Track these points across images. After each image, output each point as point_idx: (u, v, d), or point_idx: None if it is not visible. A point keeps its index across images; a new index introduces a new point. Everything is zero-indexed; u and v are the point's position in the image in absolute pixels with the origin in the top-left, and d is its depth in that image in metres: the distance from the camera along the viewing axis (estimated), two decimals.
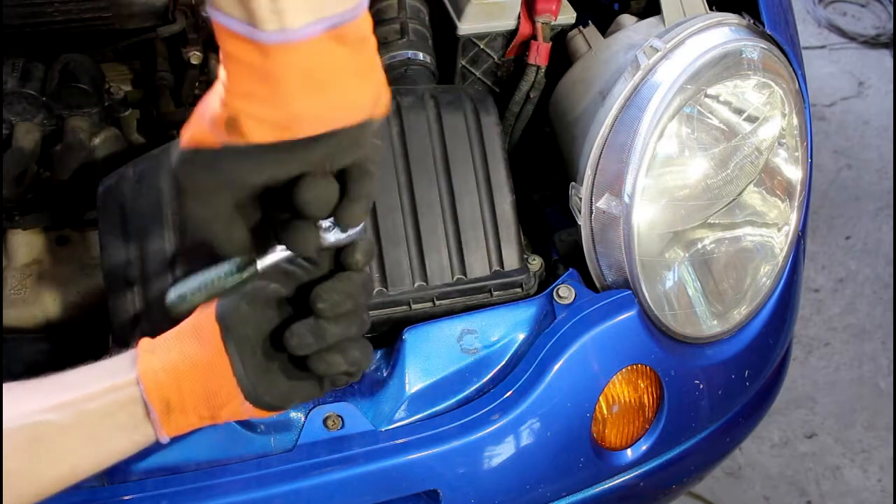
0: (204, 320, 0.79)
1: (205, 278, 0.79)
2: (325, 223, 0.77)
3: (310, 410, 1.04)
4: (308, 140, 0.65)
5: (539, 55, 1.31)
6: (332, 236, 0.78)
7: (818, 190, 2.85)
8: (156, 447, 0.98)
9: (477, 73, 1.38)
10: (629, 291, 1.14)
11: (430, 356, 1.09)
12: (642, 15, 1.32)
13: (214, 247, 0.75)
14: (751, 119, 1.19)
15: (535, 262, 1.20)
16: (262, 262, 0.78)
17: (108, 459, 0.79)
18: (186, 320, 0.81)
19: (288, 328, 0.77)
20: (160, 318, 1.05)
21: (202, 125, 0.68)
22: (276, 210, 0.74)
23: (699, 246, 1.20)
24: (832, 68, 3.36)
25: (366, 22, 0.64)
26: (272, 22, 0.60)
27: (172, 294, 0.79)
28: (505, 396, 1.07)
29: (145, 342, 0.80)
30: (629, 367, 1.13)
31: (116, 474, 0.98)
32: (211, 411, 0.79)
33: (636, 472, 1.19)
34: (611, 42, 1.27)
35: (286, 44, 0.60)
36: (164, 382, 0.77)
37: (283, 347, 0.77)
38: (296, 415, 1.04)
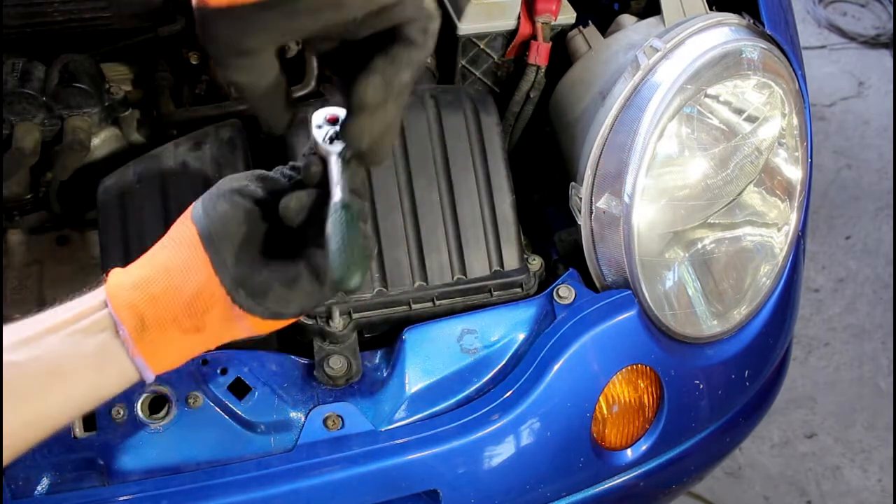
0: (178, 227, 0.74)
1: (340, 241, 0.67)
2: (330, 129, 0.75)
3: (310, 410, 1.04)
4: None
5: (539, 55, 1.31)
6: (333, 146, 0.74)
7: (818, 190, 2.85)
8: (156, 446, 0.98)
9: (477, 73, 1.38)
10: (629, 291, 1.14)
11: (430, 356, 1.09)
12: (642, 15, 1.32)
13: (261, 116, 0.73)
14: (751, 119, 1.19)
15: (535, 262, 1.20)
16: (336, 189, 0.71)
17: (80, 402, 0.71)
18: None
19: (285, 197, 0.72)
20: None
21: None
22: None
23: (699, 246, 1.20)
24: (832, 68, 3.36)
25: None
26: None
27: (338, 272, 0.66)
28: (505, 396, 1.07)
29: (115, 269, 0.74)
30: (629, 367, 1.13)
31: (116, 474, 0.98)
32: (193, 319, 0.71)
33: (636, 472, 1.19)
34: (611, 42, 1.27)
35: None
36: (135, 296, 0.70)
37: (269, 249, 0.73)
38: (296, 415, 1.04)
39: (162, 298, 0.71)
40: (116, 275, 0.73)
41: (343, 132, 0.73)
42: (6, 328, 0.71)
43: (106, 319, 0.70)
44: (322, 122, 0.76)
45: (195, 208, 0.75)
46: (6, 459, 0.68)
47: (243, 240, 0.73)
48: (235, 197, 0.75)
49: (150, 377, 0.72)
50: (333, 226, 0.67)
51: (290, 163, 0.81)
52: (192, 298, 0.71)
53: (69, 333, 0.70)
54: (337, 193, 0.71)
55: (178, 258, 0.72)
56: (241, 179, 0.77)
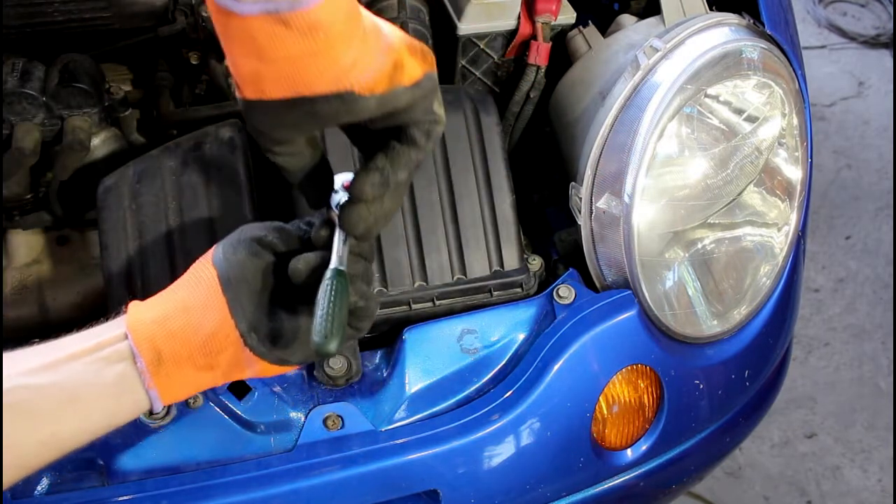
0: (199, 267, 0.78)
1: (323, 311, 0.74)
2: (344, 196, 0.81)
3: (310, 410, 1.04)
4: (303, 99, 0.72)
5: (539, 55, 1.31)
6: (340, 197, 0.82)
7: (818, 190, 2.85)
8: (156, 446, 0.98)
9: (477, 73, 1.38)
10: (629, 291, 1.14)
11: (430, 356, 1.09)
12: (642, 15, 1.32)
13: (303, 193, 0.82)
14: (751, 119, 1.19)
15: (535, 262, 1.20)
16: (336, 258, 0.78)
17: (95, 427, 0.74)
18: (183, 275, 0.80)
19: (295, 257, 0.77)
20: None
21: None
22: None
23: (699, 246, 1.20)
24: (832, 68, 3.36)
25: (323, 14, 0.69)
26: None
27: (316, 339, 0.73)
28: (505, 396, 1.07)
29: (135, 302, 0.78)
30: (629, 367, 1.13)
31: (116, 474, 0.98)
32: (207, 358, 0.75)
33: (636, 472, 1.19)
34: (611, 42, 1.27)
35: (233, 13, 0.68)
36: (154, 331, 0.74)
37: (280, 299, 0.77)
38: (296, 415, 1.04)
39: (179, 335, 0.74)
40: (137, 308, 0.77)
41: (341, 217, 0.79)
42: (29, 350, 0.75)
43: (126, 351, 0.74)
44: (339, 187, 0.82)
45: (216, 252, 0.79)
46: (20, 475, 0.71)
47: (259, 288, 0.78)
48: (255, 246, 0.79)
49: (159, 407, 0.76)
50: (322, 294, 0.74)
51: (307, 218, 0.86)
52: (207, 338, 0.75)
53: (91, 361, 0.73)
54: (333, 261, 0.77)
55: (197, 298, 0.76)
56: (262, 229, 0.81)
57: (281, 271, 0.79)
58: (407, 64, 0.75)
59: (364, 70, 0.72)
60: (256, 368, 0.79)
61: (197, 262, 0.80)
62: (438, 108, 0.80)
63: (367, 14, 0.75)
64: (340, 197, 0.82)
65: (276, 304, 0.78)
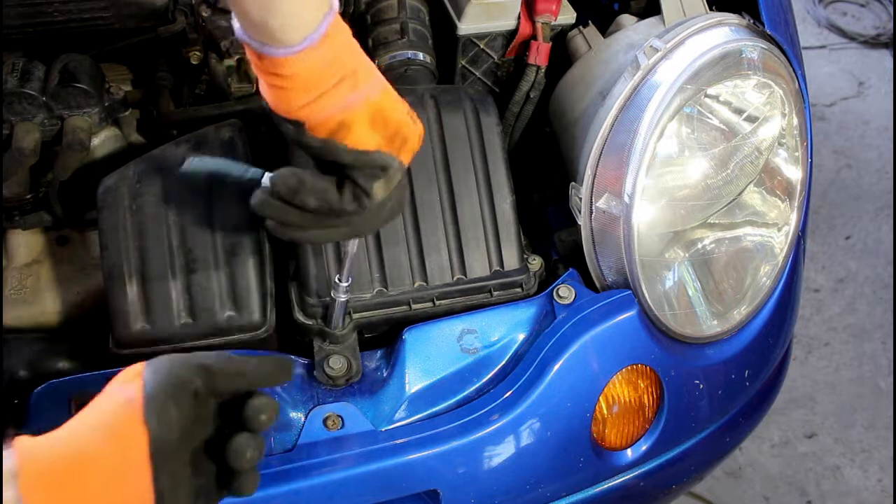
0: (121, 415, 0.67)
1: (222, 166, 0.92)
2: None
3: (310, 410, 1.04)
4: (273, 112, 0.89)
5: (539, 55, 1.31)
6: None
7: (818, 190, 2.85)
8: None
9: (477, 73, 1.38)
10: (629, 291, 1.14)
11: (430, 356, 1.09)
12: (642, 15, 1.32)
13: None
14: (751, 119, 1.19)
15: (535, 262, 1.20)
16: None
17: None
18: (89, 409, 0.68)
19: (233, 441, 0.71)
20: (161, 318, 1.05)
21: None
22: None
23: (699, 246, 1.20)
24: (832, 68, 3.36)
25: (289, 67, 0.83)
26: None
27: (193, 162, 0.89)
28: (505, 396, 1.07)
29: (24, 445, 0.63)
30: (629, 367, 1.13)
31: None
32: None
33: (636, 472, 1.19)
34: (611, 42, 1.27)
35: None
36: (57, 500, 0.62)
37: (202, 458, 0.71)
38: (296, 415, 1.04)
39: (88, 499, 0.63)
40: (31, 460, 0.63)
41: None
42: None
43: None
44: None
45: (146, 400, 0.68)
46: None
47: (185, 451, 0.69)
48: (187, 398, 0.70)
49: None
50: None
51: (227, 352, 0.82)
52: None
53: None
54: None
55: (116, 463, 0.65)
56: (191, 372, 0.72)
57: (208, 421, 0.72)
58: (356, 129, 0.88)
59: (313, 113, 0.86)
60: None
61: (119, 401, 0.68)
62: (378, 189, 0.91)
63: (354, 72, 0.86)
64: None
65: (191, 466, 0.70)
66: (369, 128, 0.89)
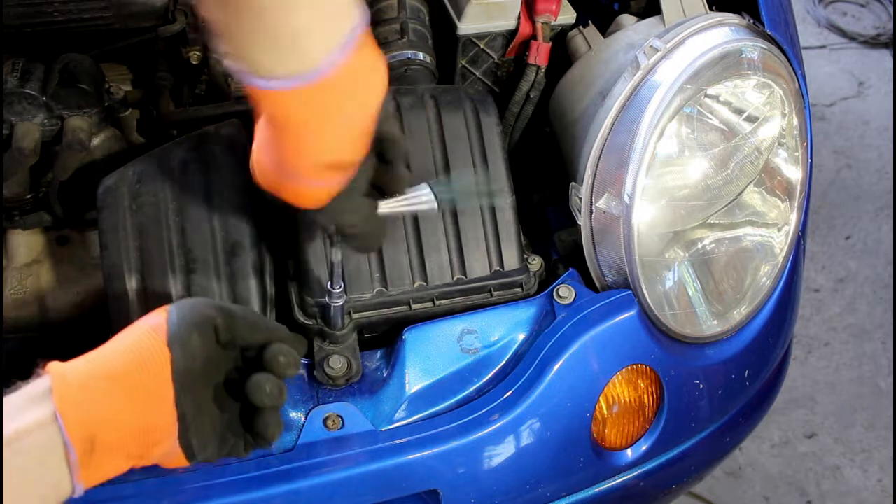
0: (148, 342, 0.71)
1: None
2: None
3: (310, 410, 1.04)
4: None
5: (539, 55, 1.31)
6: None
7: (818, 190, 2.85)
8: None
9: (477, 73, 1.38)
10: (629, 291, 1.14)
11: (430, 356, 1.09)
12: (642, 15, 1.32)
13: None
14: (751, 119, 1.19)
15: (535, 262, 1.20)
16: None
17: None
18: (118, 338, 0.72)
19: (253, 377, 0.74)
20: None
21: None
22: None
23: (699, 246, 1.20)
24: (832, 68, 3.36)
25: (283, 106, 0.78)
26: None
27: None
28: (505, 396, 1.07)
29: (56, 367, 0.68)
30: (629, 367, 1.13)
31: None
32: (141, 449, 0.70)
33: (636, 472, 1.19)
34: (611, 42, 1.27)
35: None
36: (88, 413, 0.66)
37: (224, 395, 0.74)
38: (296, 415, 1.04)
39: (116, 421, 0.68)
40: (64, 379, 0.67)
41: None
42: None
43: (55, 440, 0.65)
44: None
45: (171, 330, 0.72)
46: None
47: (207, 385, 0.73)
48: (210, 332, 0.74)
49: (80, 492, 0.69)
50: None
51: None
52: (147, 430, 0.69)
53: (16, 453, 0.63)
54: None
55: (141, 381, 0.69)
56: (214, 310, 0.76)
57: (229, 362, 0.76)
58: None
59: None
60: (180, 460, 0.74)
61: (145, 329, 0.72)
62: (348, 217, 0.91)
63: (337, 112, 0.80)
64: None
65: (214, 399, 0.74)
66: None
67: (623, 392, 1.14)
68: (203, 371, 0.72)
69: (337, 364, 1.06)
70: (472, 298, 1.14)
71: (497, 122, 1.19)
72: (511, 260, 1.14)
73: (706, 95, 1.14)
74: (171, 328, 0.72)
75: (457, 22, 1.30)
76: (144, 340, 0.72)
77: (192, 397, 0.71)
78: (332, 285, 1.02)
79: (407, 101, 1.16)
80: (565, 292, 1.14)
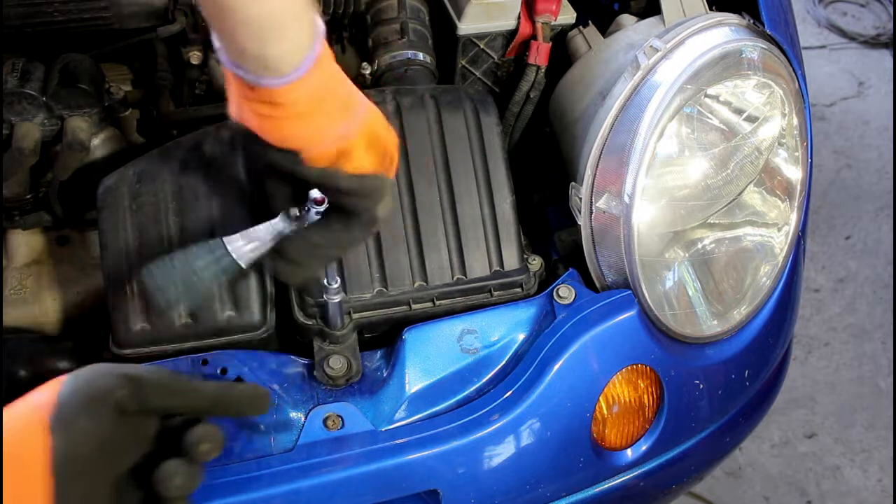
0: (24, 424, 0.59)
1: (182, 269, 0.86)
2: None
3: (310, 410, 1.04)
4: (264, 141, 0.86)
5: (539, 55, 1.31)
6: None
7: (818, 190, 2.85)
8: None
9: (477, 73, 1.38)
10: (629, 291, 1.14)
11: (430, 356, 1.09)
12: (642, 15, 1.32)
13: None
14: (751, 119, 1.19)
15: (535, 262, 1.20)
16: (232, 245, 0.91)
17: None
18: (5, 410, 0.60)
19: (162, 465, 0.63)
20: (161, 318, 1.05)
21: None
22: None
23: (699, 246, 1.20)
24: (832, 68, 3.36)
25: (285, 96, 0.79)
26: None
27: (159, 300, 0.85)
28: (505, 396, 1.07)
29: None
30: (629, 367, 1.13)
31: None
32: None
33: (636, 472, 1.19)
34: (611, 42, 1.27)
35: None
36: None
37: (125, 484, 0.63)
38: (296, 415, 1.04)
39: None
40: None
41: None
42: None
43: None
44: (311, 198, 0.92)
45: (57, 408, 0.59)
46: None
47: (102, 469, 0.62)
48: (105, 409, 0.62)
49: None
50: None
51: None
52: None
53: None
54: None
55: (11, 481, 0.56)
56: (114, 380, 0.64)
57: (132, 440, 0.65)
58: (356, 155, 0.86)
59: (312, 143, 0.83)
60: None
61: (28, 409, 0.60)
62: (382, 210, 0.91)
63: (346, 97, 0.85)
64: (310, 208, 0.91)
65: (113, 489, 0.62)
66: (366, 151, 0.87)
67: (623, 392, 1.14)
68: (96, 458, 0.60)
69: (337, 364, 1.06)
70: (472, 298, 1.14)
71: (497, 122, 1.19)
72: (511, 260, 1.14)
73: (706, 95, 1.14)
74: (56, 407, 0.60)
75: (457, 22, 1.31)
76: (21, 424, 0.60)
77: (78, 491, 0.59)
78: (328, 281, 1.02)
79: (407, 101, 1.16)
80: (565, 292, 1.14)
